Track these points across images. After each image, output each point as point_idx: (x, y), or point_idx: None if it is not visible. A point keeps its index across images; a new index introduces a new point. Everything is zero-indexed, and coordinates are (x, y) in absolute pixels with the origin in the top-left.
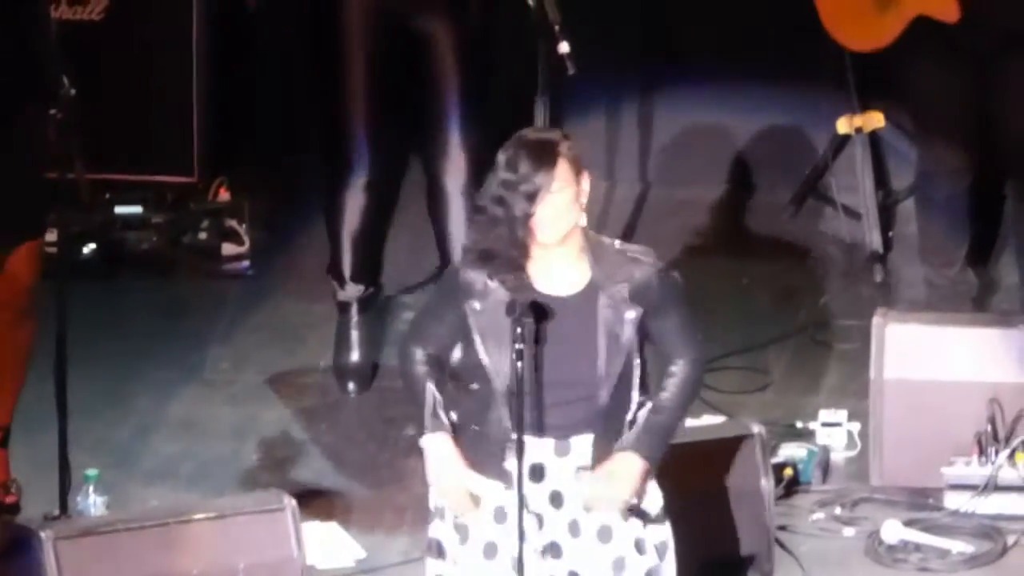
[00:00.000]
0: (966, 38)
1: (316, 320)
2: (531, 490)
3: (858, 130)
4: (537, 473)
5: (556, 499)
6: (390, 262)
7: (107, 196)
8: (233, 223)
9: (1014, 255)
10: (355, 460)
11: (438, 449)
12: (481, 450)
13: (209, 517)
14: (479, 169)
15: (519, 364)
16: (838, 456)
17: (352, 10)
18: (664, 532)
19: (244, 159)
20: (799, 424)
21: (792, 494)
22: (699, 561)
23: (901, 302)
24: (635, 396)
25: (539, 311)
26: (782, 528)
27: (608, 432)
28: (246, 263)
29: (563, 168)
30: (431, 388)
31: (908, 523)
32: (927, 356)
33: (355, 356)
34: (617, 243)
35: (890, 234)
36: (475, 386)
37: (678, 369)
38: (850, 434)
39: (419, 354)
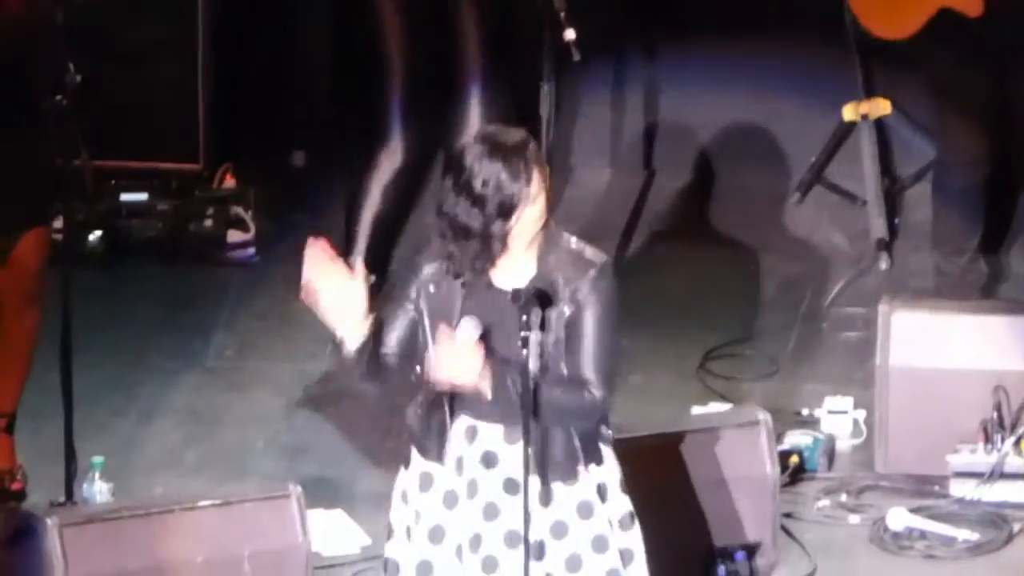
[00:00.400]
0: (987, 31)
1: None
2: (483, 476)
3: (864, 117)
4: (490, 460)
5: (511, 487)
6: (399, 257)
7: (112, 183)
8: (238, 210)
9: None
10: (360, 448)
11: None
12: (426, 434)
13: (214, 504)
14: None
15: (524, 352)
16: (843, 444)
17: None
18: (631, 539)
19: (249, 146)
20: (805, 412)
21: (797, 481)
22: (704, 548)
23: (907, 290)
24: None
25: (545, 299)
26: (787, 515)
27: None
28: (251, 250)
29: (537, 176)
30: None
31: (913, 511)
32: (933, 344)
33: None
34: (574, 241)
35: (896, 221)
36: (420, 370)
37: (579, 387)
38: (856, 422)
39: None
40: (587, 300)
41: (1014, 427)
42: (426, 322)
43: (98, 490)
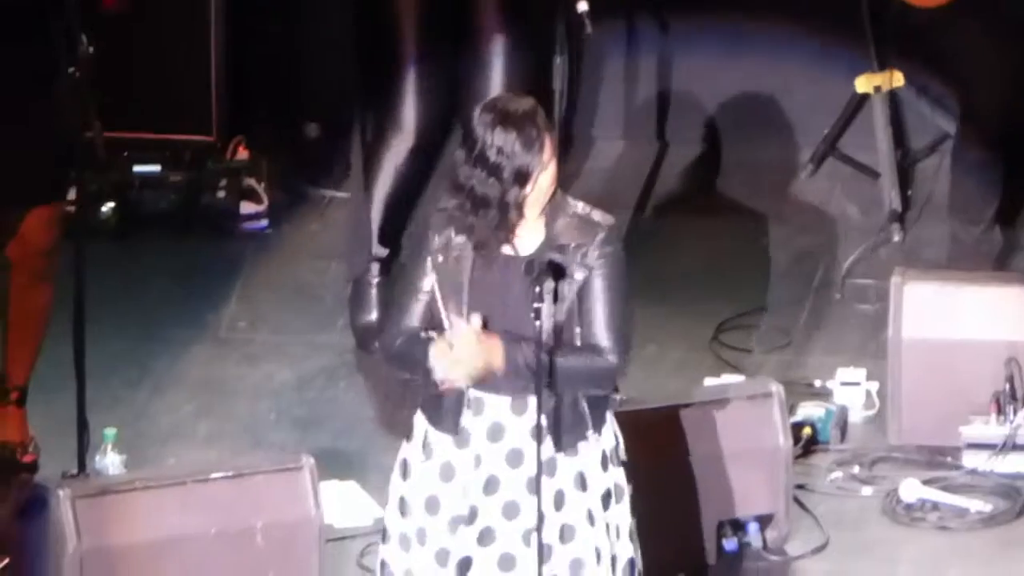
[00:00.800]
0: (1012, 6)
1: (334, 279)
2: (488, 449)
3: (877, 89)
4: (496, 433)
5: (514, 458)
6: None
7: (125, 155)
8: (251, 182)
9: None
10: (373, 419)
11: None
12: (440, 406)
13: (227, 476)
14: None
15: (537, 324)
16: (856, 415)
17: None
18: (620, 512)
19: (263, 118)
20: (817, 383)
21: (810, 453)
22: (716, 520)
23: (919, 261)
24: None
25: (558, 270)
26: (800, 487)
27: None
28: (264, 222)
29: (548, 142)
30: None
31: (926, 482)
32: (945, 315)
33: (374, 316)
34: (580, 205)
35: (908, 193)
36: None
37: (593, 354)
38: (868, 393)
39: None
40: (596, 264)
41: None
42: (437, 295)
43: (110, 462)
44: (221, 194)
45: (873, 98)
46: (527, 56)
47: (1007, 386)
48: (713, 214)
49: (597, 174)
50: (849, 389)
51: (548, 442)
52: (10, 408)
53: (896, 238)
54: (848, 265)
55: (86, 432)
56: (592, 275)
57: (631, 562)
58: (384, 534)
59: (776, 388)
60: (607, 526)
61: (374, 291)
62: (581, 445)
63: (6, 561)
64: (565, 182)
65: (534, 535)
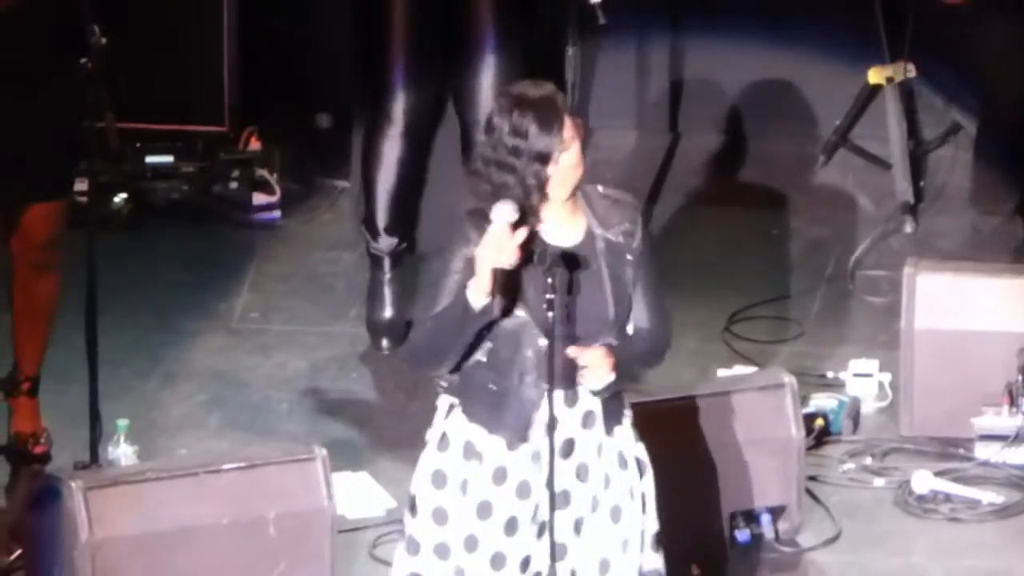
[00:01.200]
0: None
1: (346, 269)
2: (559, 466)
3: (889, 80)
4: (567, 448)
5: (566, 448)
6: (425, 223)
7: (138, 146)
8: (264, 172)
9: None
10: (385, 409)
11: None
12: (506, 410)
13: (239, 467)
14: None
15: (550, 315)
16: (869, 406)
17: None
18: (656, 560)
19: (275, 108)
20: (830, 374)
21: (822, 444)
22: (728, 511)
23: (932, 252)
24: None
25: (571, 260)
26: (812, 478)
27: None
28: (277, 213)
29: (568, 123)
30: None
31: (938, 473)
32: (958, 306)
33: (388, 313)
34: (600, 188)
35: (921, 184)
36: (489, 344)
37: (655, 335)
38: (881, 384)
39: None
40: (643, 246)
41: None
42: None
43: (123, 452)
44: (233, 184)
45: (885, 89)
46: (519, 48)
47: (1020, 377)
48: (725, 205)
49: (610, 165)
50: (861, 380)
51: (599, 427)
52: (22, 399)
53: (908, 229)
54: (857, 256)
55: (98, 423)
56: (642, 257)
57: (656, 536)
58: (409, 542)
59: (788, 379)
60: (643, 497)
61: (387, 288)
62: (617, 428)
63: (18, 552)
64: None
65: (584, 521)
